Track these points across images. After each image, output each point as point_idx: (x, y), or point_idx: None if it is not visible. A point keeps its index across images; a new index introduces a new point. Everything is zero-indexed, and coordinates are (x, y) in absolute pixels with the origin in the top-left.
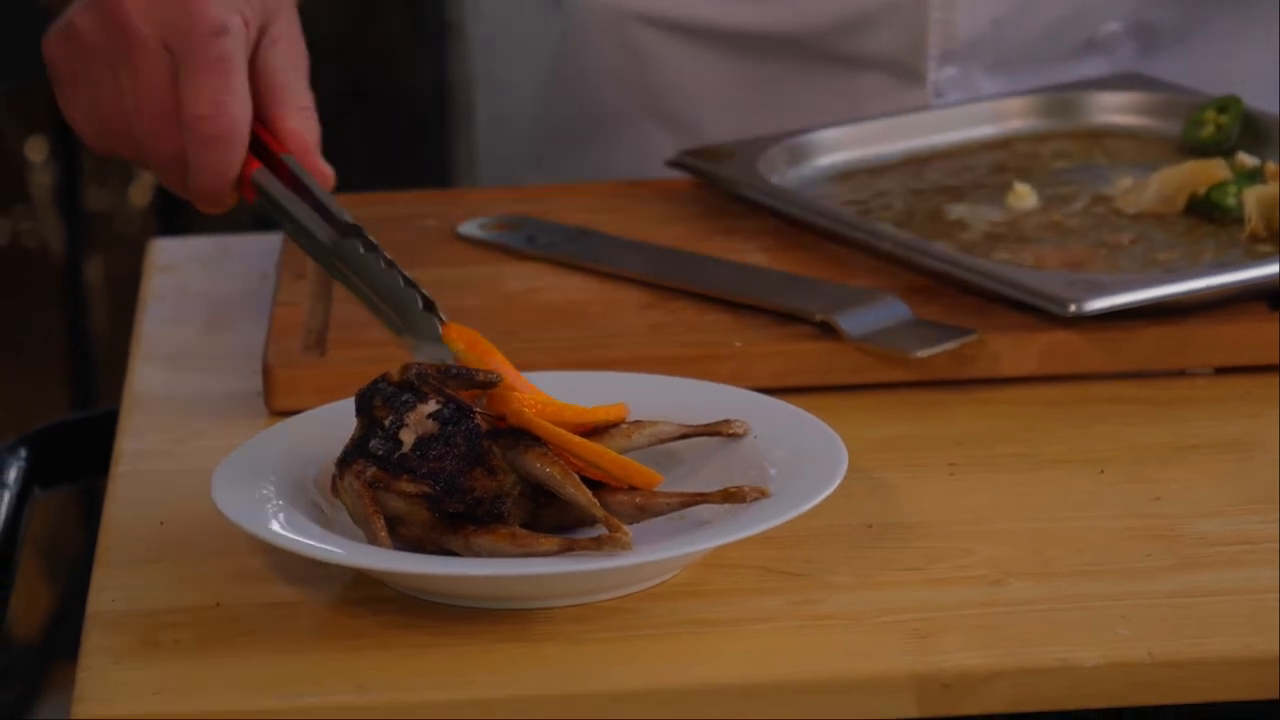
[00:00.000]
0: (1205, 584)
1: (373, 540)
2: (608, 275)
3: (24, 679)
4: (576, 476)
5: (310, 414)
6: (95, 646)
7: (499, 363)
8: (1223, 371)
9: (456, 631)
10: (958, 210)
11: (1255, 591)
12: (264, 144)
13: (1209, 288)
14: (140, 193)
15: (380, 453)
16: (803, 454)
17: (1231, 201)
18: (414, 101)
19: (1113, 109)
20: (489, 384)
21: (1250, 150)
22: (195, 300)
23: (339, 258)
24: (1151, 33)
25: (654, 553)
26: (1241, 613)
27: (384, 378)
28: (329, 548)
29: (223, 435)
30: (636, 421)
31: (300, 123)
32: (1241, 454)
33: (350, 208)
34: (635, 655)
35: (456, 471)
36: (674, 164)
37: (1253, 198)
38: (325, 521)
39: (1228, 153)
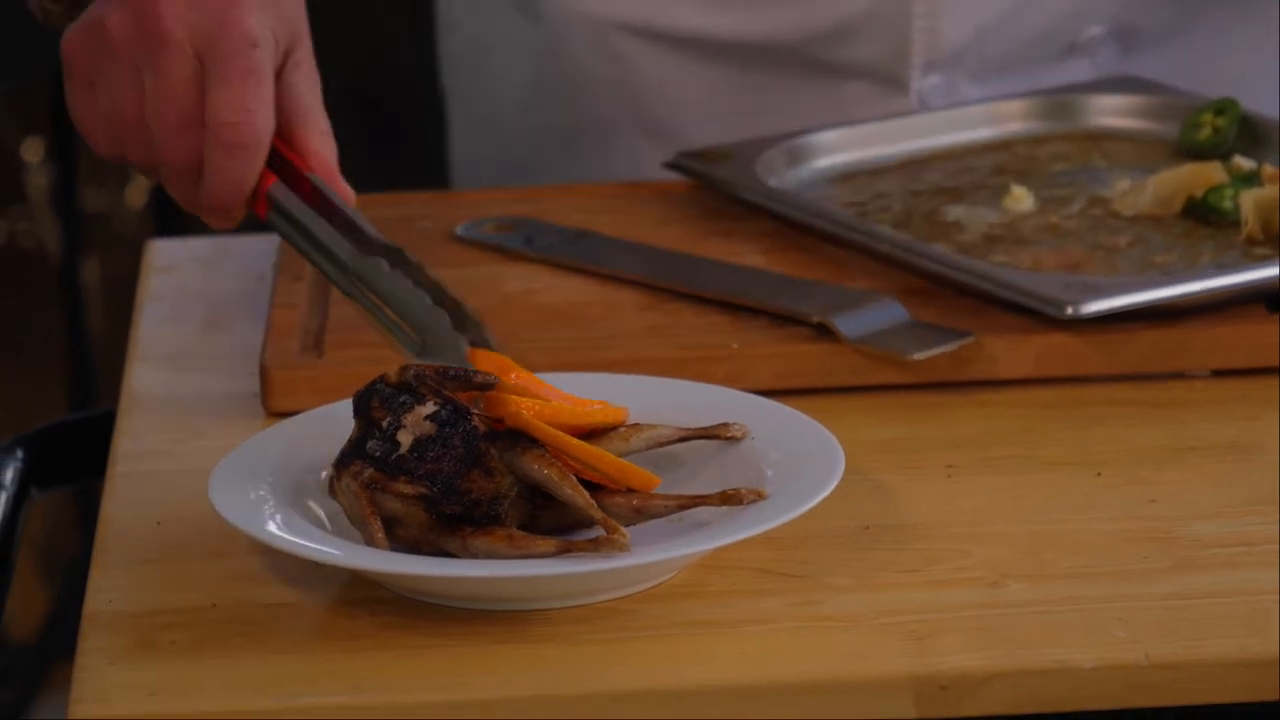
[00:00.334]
0: (1202, 586)
1: (370, 541)
2: (606, 277)
3: (21, 679)
4: (574, 478)
5: (308, 415)
6: (92, 647)
7: (536, 389)
8: (1220, 374)
9: (454, 633)
10: (955, 212)
11: (1252, 593)
12: (283, 162)
13: (1206, 290)
14: (137, 193)
15: (378, 454)
16: (800, 456)
17: (1228, 204)
18: (412, 102)
19: (1110, 112)
20: (487, 386)
21: (1247, 153)
22: (193, 301)
23: (359, 276)
24: (1132, 35)
25: (652, 554)
26: (1238, 615)
27: (382, 379)
28: (326, 549)
29: (220, 436)
30: (634, 424)
31: (323, 145)
32: (1239, 456)
33: None
34: (633, 656)
35: (454, 473)
36: (671, 166)
37: (1249, 200)
38: (322, 523)
39: (1225, 155)
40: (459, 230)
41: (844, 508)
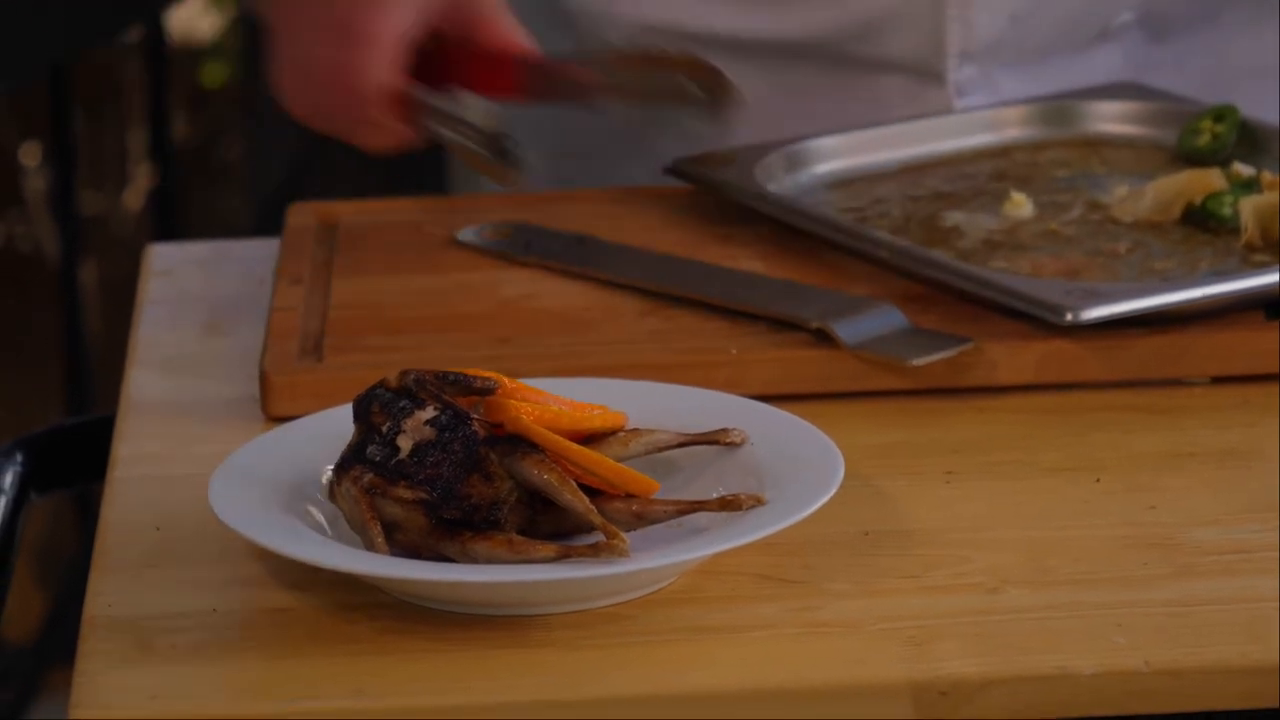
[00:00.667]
0: (1202, 593)
1: (369, 546)
2: (605, 282)
3: (19, 682)
4: (574, 483)
5: (307, 420)
6: (92, 651)
7: (534, 394)
8: (1219, 380)
9: (453, 637)
10: (954, 218)
11: (1252, 600)
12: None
13: (1206, 297)
14: (134, 196)
15: (377, 459)
16: (799, 461)
17: (1228, 211)
18: None
19: (1109, 118)
20: (486, 390)
21: (1246, 159)
22: (192, 305)
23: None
24: (1161, 22)
25: (651, 560)
26: (1238, 621)
27: (382, 384)
28: (325, 554)
29: (219, 441)
30: (634, 429)
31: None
32: (1238, 463)
33: (350, 214)
34: (632, 662)
35: (454, 478)
36: (671, 171)
37: (1249, 207)
38: (322, 527)
39: (1224, 162)
40: (458, 235)
41: (843, 513)
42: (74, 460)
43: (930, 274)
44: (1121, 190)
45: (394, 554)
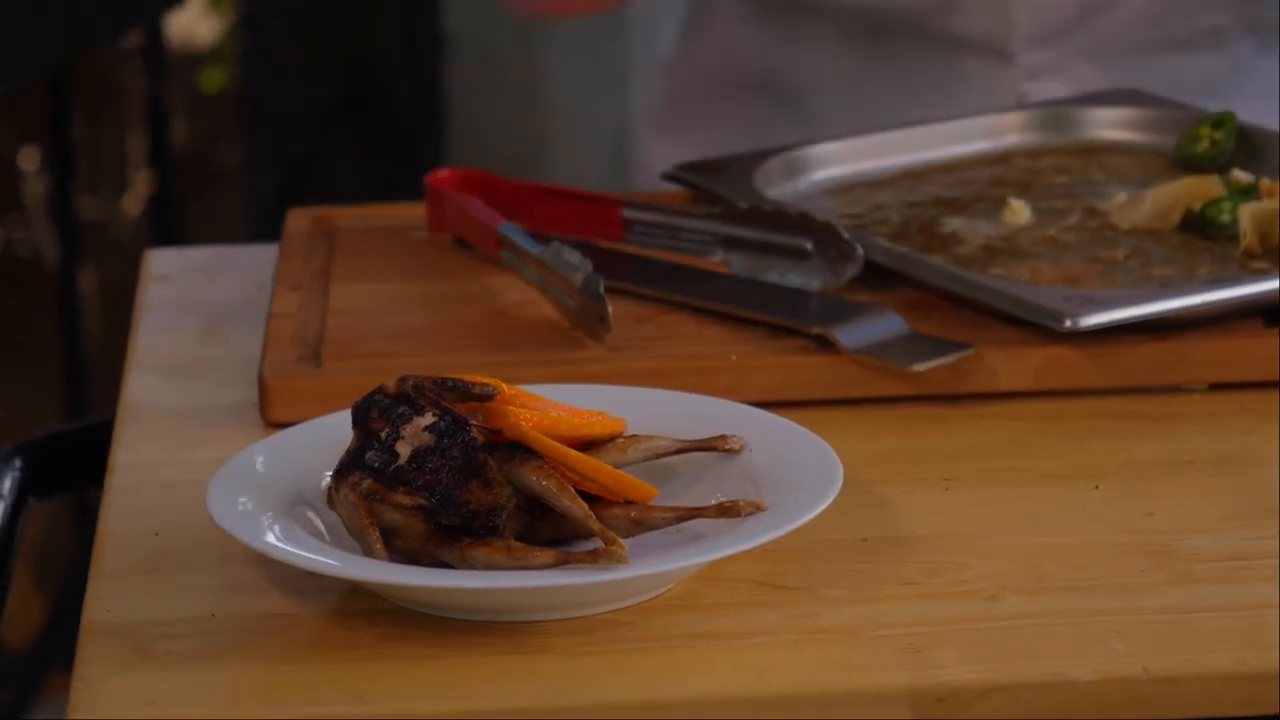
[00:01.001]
0: (1200, 599)
1: (368, 552)
2: (605, 288)
3: (17, 686)
4: (572, 490)
5: (306, 425)
6: (90, 656)
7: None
8: (1218, 387)
9: (452, 644)
10: (953, 224)
11: (1250, 607)
12: None
13: (1204, 304)
14: (133, 201)
15: (376, 465)
16: (798, 468)
17: (1226, 217)
18: (409, 111)
19: (1108, 124)
20: (485, 397)
21: (1245, 166)
22: (191, 311)
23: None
24: (1266, 29)
25: (649, 566)
26: (1236, 628)
27: (380, 390)
28: (324, 559)
29: (218, 447)
30: (632, 436)
31: None
32: (1236, 470)
33: (348, 219)
34: (630, 668)
35: (452, 484)
36: (670, 178)
37: (1247, 214)
38: (320, 533)
39: (1222, 169)
40: (458, 240)
41: (842, 520)
42: (73, 465)
43: (930, 281)
44: (1120, 197)
45: (392, 560)
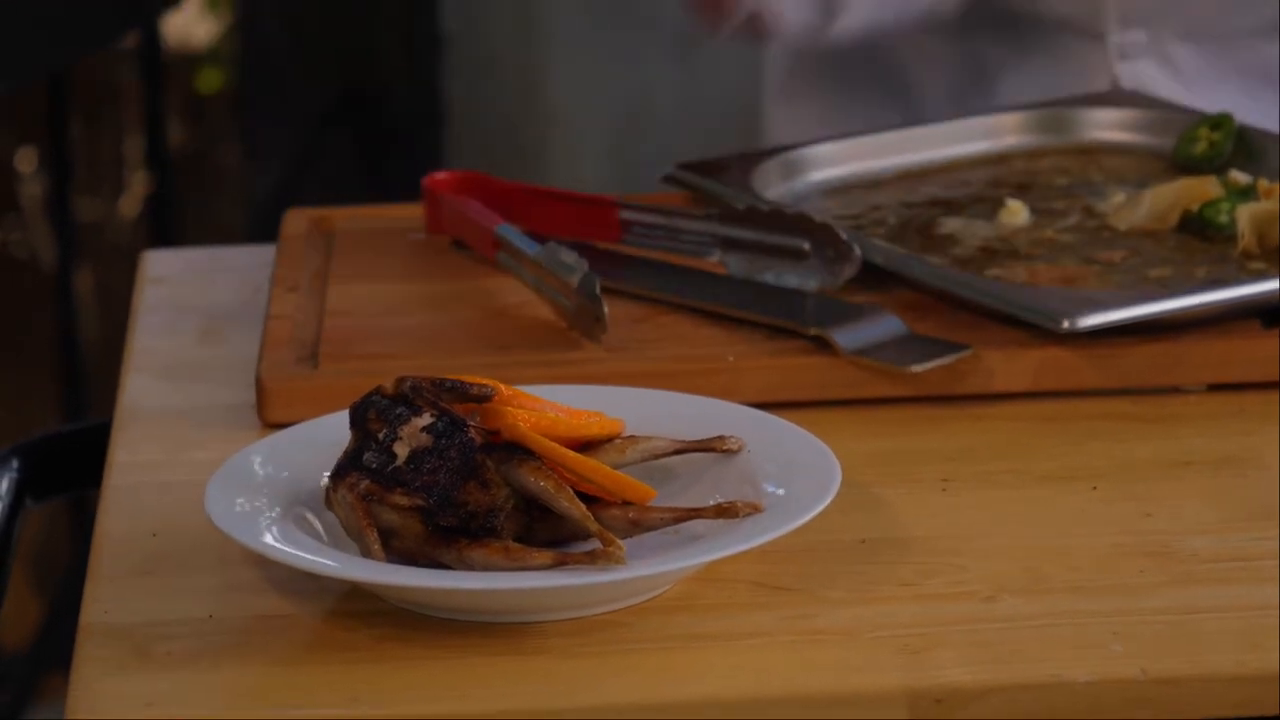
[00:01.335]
0: (1198, 601)
1: (366, 553)
2: (602, 289)
3: (14, 686)
4: (570, 491)
5: (303, 426)
6: (88, 657)
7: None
8: (1215, 388)
9: (450, 645)
10: (950, 225)
11: (1249, 608)
12: None
13: (1202, 304)
14: (130, 203)
15: (374, 465)
16: (796, 469)
17: (1224, 218)
18: (407, 112)
19: (1106, 125)
20: (483, 397)
21: (1243, 167)
22: (188, 312)
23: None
24: None
25: (647, 567)
26: (1235, 629)
27: (378, 391)
28: (322, 560)
29: (216, 448)
30: (630, 436)
31: None
32: (1234, 471)
33: (345, 221)
34: (628, 669)
35: (450, 485)
36: (669, 179)
37: (1245, 215)
38: (318, 534)
39: (1220, 169)
40: (455, 242)
41: (840, 521)
42: (70, 467)
43: (928, 282)
44: (1118, 198)
45: (390, 561)
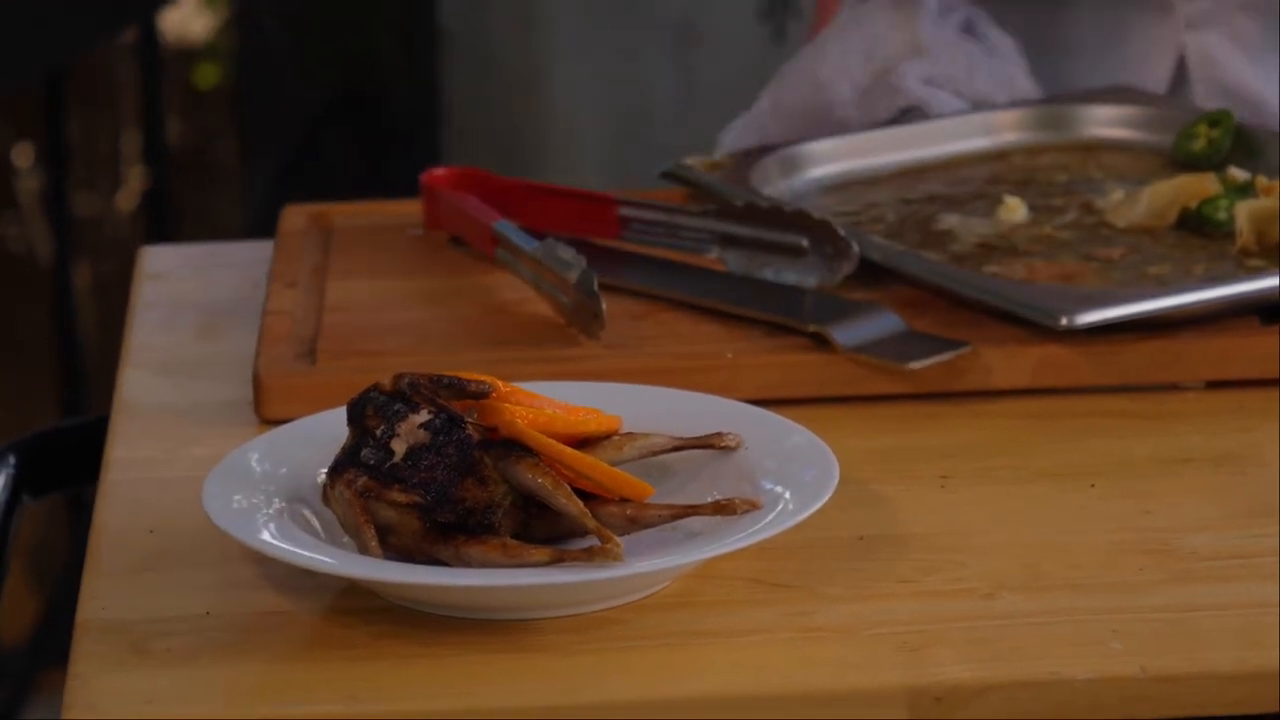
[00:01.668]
0: (1198, 598)
1: (363, 550)
2: (600, 285)
3: (12, 682)
4: (568, 487)
5: (301, 423)
6: (85, 654)
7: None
8: (1214, 385)
9: (448, 642)
10: (948, 221)
11: (1248, 606)
12: None
13: (1200, 301)
14: (128, 198)
15: (371, 462)
16: (794, 466)
17: (1223, 215)
18: (406, 108)
19: (1105, 122)
20: (481, 394)
21: (1242, 164)
22: (186, 308)
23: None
24: None
25: (645, 564)
26: (1234, 627)
27: (376, 387)
28: (320, 557)
29: (213, 444)
30: (628, 433)
31: None
32: (1233, 468)
33: (344, 216)
34: (626, 667)
35: (448, 481)
36: (667, 175)
37: (1244, 212)
38: (316, 531)
39: (1219, 167)
40: (453, 239)
41: (838, 518)
42: (68, 463)
43: (926, 278)
44: (1116, 195)
45: (388, 558)
